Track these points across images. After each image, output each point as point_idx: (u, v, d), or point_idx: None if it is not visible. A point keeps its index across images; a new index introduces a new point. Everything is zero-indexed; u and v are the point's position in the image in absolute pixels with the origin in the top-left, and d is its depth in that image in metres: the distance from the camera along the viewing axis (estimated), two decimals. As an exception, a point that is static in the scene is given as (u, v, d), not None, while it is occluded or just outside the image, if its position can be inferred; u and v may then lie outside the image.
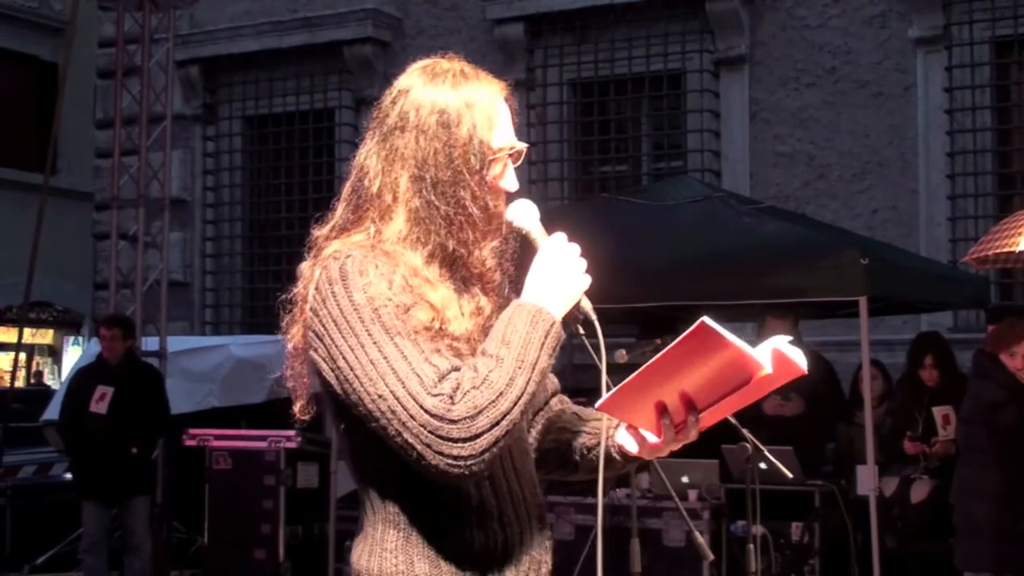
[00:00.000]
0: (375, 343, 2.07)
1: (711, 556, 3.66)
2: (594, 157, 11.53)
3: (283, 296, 2.28)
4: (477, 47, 11.41)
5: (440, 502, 2.16)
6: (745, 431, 4.46)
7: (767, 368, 2.14)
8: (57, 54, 17.92)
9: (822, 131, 10.45)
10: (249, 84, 12.76)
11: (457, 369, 2.07)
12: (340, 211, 2.30)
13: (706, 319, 2.05)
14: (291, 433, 8.51)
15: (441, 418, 2.01)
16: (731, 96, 10.83)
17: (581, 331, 2.25)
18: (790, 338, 2.20)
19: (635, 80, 11.12)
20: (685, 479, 7.20)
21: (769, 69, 10.69)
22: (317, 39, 12.33)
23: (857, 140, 10.32)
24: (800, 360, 2.18)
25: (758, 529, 6.47)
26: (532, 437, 2.42)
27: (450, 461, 2.02)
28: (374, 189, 2.24)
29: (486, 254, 2.24)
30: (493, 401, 2.03)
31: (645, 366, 2.12)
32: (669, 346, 2.09)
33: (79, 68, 13.58)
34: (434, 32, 11.88)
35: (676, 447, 2.29)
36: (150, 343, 10.14)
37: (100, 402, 8.35)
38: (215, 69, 13.02)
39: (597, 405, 2.19)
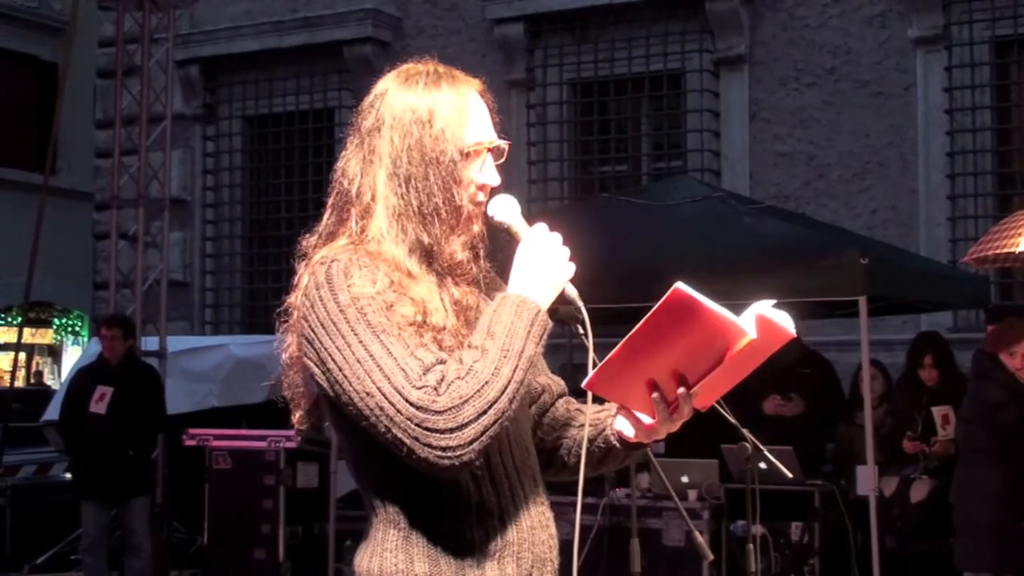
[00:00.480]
0: (361, 342, 2.09)
1: (711, 556, 3.65)
2: (594, 157, 11.53)
3: (279, 309, 2.30)
4: (477, 47, 11.42)
5: (440, 501, 2.17)
6: (745, 431, 4.46)
7: (750, 333, 2.10)
8: (57, 54, 17.91)
9: (822, 131, 10.45)
10: (249, 84, 12.76)
11: (442, 362, 2.09)
12: (326, 218, 2.34)
13: (680, 285, 2.04)
14: (291, 433, 8.49)
15: (426, 410, 2.03)
16: (731, 96, 10.83)
17: (580, 330, 2.25)
18: (774, 301, 2.17)
19: (635, 80, 11.12)
20: (685, 479, 7.20)
21: (769, 69, 10.69)
22: (317, 39, 12.33)
23: (857, 140, 10.32)
24: (788, 324, 2.16)
25: (758, 529, 6.48)
26: (537, 437, 2.42)
27: (439, 453, 2.03)
28: (354, 191, 2.29)
29: (456, 248, 2.26)
30: (478, 390, 2.04)
31: (625, 339, 2.10)
32: (647, 315, 2.07)
33: (79, 68, 13.58)
34: (434, 32, 11.88)
35: (673, 428, 2.28)
36: (150, 343, 10.14)
37: (100, 402, 8.35)
38: (215, 69, 13.02)
39: (583, 384, 2.19)
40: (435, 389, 2.04)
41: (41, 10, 19.67)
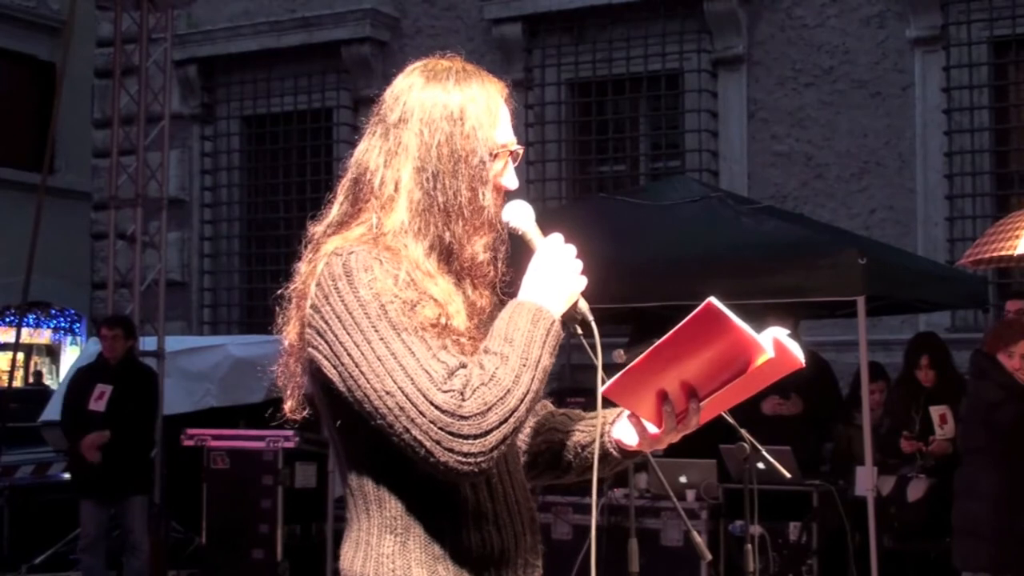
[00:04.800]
0: (382, 339, 2.05)
1: (709, 556, 3.65)
2: (592, 157, 11.53)
3: (278, 292, 2.27)
4: (475, 47, 11.41)
5: (437, 504, 2.15)
6: (743, 431, 4.45)
7: (769, 352, 2.11)
8: (55, 53, 17.91)
9: (820, 131, 10.45)
10: (247, 84, 12.76)
11: (465, 366, 2.06)
12: (337, 206, 2.30)
13: (713, 300, 2.03)
14: (289, 433, 8.49)
15: (452, 414, 2.00)
16: (729, 96, 10.83)
17: (579, 331, 2.23)
18: (788, 331, 2.18)
19: (633, 80, 11.12)
20: (683, 479, 7.20)
21: (767, 69, 10.69)
22: (315, 39, 12.33)
23: (855, 140, 10.32)
24: (798, 352, 2.15)
25: (756, 529, 6.48)
26: (521, 440, 2.40)
27: (460, 458, 2.01)
28: (376, 182, 2.24)
29: (478, 249, 2.23)
30: (502, 398, 2.02)
31: (650, 349, 2.10)
32: (675, 327, 2.07)
33: (77, 68, 13.58)
34: (432, 32, 11.88)
35: (676, 438, 2.26)
36: (148, 343, 10.13)
37: (99, 400, 8.38)
38: (213, 69, 13.02)
39: (603, 389, 2.16)
40: (461, 394, 2.01)
41: (39, 9, 19.66)
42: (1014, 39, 9.93)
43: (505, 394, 2.03)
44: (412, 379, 2.02)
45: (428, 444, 2.01)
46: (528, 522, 2.26)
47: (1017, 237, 6.90)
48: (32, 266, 10.52)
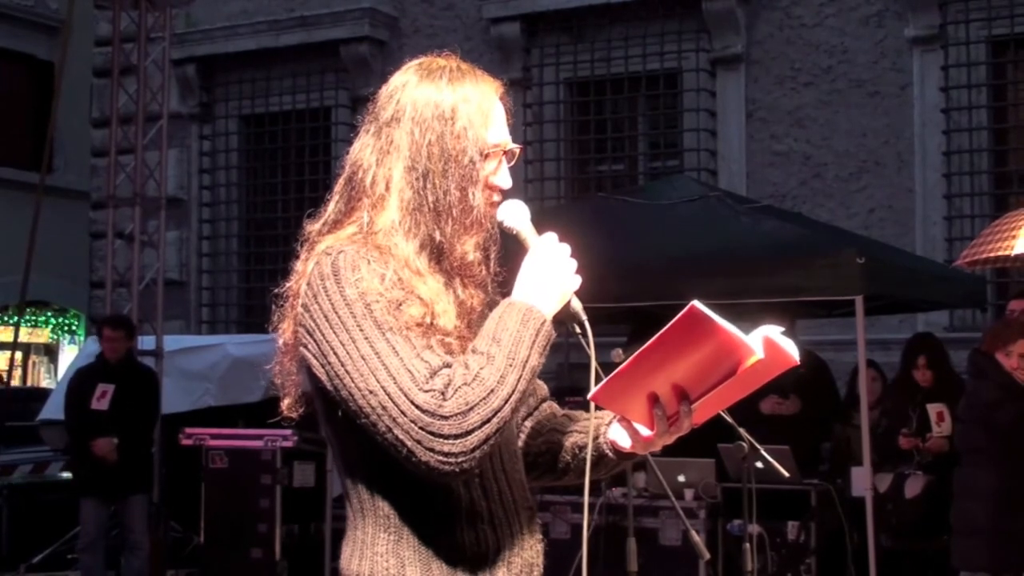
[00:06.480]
0: (366, 338, 2.06)
1: (707, 555, 3.65)
2: (590, 156, 11.53)
3: (275, 291, 2.27)
4: (473, 46, 11.42)
5: (430, 503, 2.14)
6: (742, 430, 4.45)
7: (759, 353, 2.09)
8: (53, 53, 17.90)
9: (818, 130, 10.45)
10: (245, 83, 12.76)
11: (448, 366, 2.06)
12: (333, 205, 2.30)
13: (696, 303, 2.02)
14: (287, 432, 8.49)
15: (432, 414, 2.00)
16: (727, 95, 10.83)
17: (577, 330, 2.23)
18: (782, 328, 2.16)
19: (631, 79, 11.12)
20: (681, 478, 7.20)
21: (765, 68, 10.69)
22: (313, 38, 12.33)
23: (853, 139, 10.32)
24: (792, 351, 2.14)
25: (754, 528, 6.48)
26: (521, 441, 2.40)
27: (441, 458, 2.01)
28: (368, 180, 2.24)
29: (468, 248, 2.23)
30: (484, 398, 2.02)
31: (636, 354, 2.10)
32: (660, 332, 2.06)
33: (75, 67, 13.58)
34: (430, 31, 11.88)
35: (669, 440, 2.25)
36: (146, 342, 10.13)
37: (101, 399, 8.41)
38: (212, 68, 13.02)
39: (589, 395, 2.17)
40: (442, 393, 2.01)
41: (37, 9, 19.65)
42: (1012, 38, 9.94)
43: (488, 394, 2.02)
44: (394, 378, 2.02)
45: (409, 444, 2.01)
46: (526, 521, 2.26)
47: (1014, 237, 6.90)
48: (30, 265, 10.52)
